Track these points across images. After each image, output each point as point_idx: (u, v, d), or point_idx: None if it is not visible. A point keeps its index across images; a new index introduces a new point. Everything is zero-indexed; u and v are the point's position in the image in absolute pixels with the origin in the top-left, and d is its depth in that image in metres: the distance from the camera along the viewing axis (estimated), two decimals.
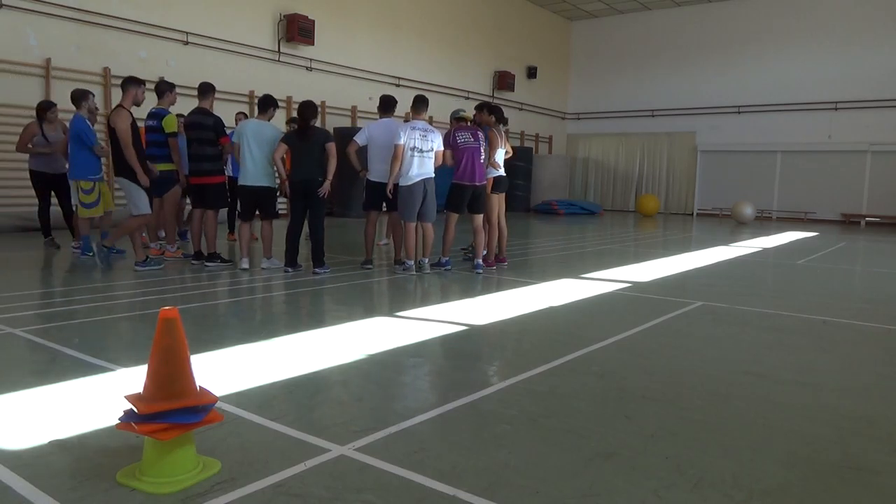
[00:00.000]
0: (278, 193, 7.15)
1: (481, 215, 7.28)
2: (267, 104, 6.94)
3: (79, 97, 7.24)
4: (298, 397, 3.09)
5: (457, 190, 7.04)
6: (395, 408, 3.01)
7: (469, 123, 7.31)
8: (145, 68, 11.89)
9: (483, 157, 7.10)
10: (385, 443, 2.55)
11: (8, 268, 6.90)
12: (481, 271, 7.21)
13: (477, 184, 7.08)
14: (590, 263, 8.56)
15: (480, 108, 7.69)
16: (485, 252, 7.64)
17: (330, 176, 6.70)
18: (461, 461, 2.40)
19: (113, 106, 11.29)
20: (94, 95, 7.48)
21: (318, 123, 7.15)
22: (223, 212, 8.72)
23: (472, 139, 7.05)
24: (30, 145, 7.95)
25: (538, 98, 22.78)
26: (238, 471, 2.26)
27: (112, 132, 6.48)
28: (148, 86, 7.14)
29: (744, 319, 5.13)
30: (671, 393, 3.26)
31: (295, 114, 7.00)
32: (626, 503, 2.13)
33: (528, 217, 18.35)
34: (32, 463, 2.31)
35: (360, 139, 7.03)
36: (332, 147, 6.63)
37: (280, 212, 10.03)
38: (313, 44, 14.51)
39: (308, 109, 6.60)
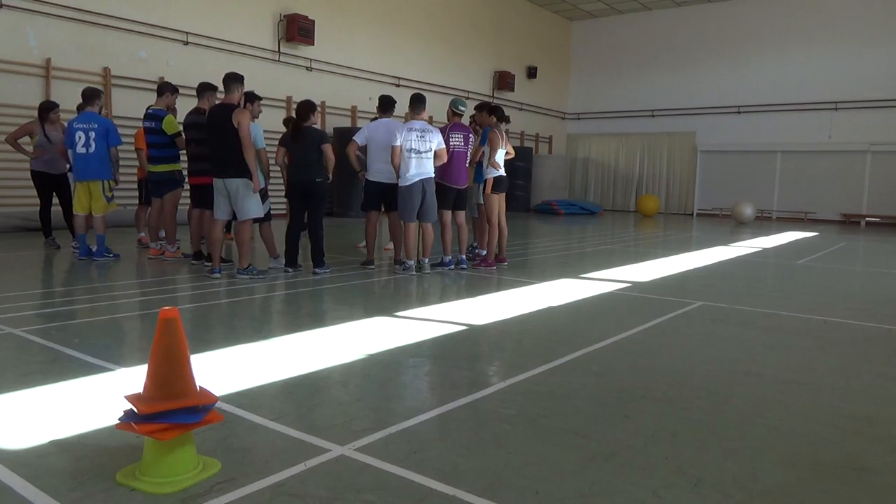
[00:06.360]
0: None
1: (464, 212, 7.45)
2: (253, 98, 6.90)
3: (93, 95, 7.23)
4: (298, 397, 3.09)
5: (440, 189, 7.09)
6: (395, 408, 3.01)
7: (462, 120, 7.35)
8: (145, 68, 11.91)
9: (467, 160, 7.28)
10: (385, 443, 2.55)
11: (8, 268, 6.90)
12: (466, 267, 7.32)
13: (460, 187, 7.21)
14: (590, 263, 8.55)
15: (480, 108, 7.70)
16: (485, 252, 7.66)
17: (329, 174, 6.73)
18: (461, 461, 2.40)
19: (113, 106, 11.35)
20: (103, 94, 7.48)
21: (318, 124, 7.12)
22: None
23: (462, 143, 7.18)
24: (31, 148, 7.95)
25: (538, 98, 22.78)
26: (238, 471, 2.26)
27: (222, 130, 6.12)
28: (147, 86, 7.09)
29: (744, 319, 5.13)
30: (671, 393, 3.26)
31: (294, 114, 6.97)
32: (626, 503, 2.13)
33: (528, 217, 18.35)
34: (32, 463, 2.30)
35: (359, 139, 7.03)
36: (327, 148, 6.59)
37: (277, 212, 10.02)
38: (313, 44, 14.51)
39: (302, 109, 6.59)
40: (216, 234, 6.46)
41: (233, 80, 6.30)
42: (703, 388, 3.35)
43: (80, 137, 7.00)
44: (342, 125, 15.34)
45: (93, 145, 7.01)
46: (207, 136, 6.37)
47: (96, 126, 7.04)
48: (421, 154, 6.72)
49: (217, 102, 6.63)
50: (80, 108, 7.43)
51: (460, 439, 2.63)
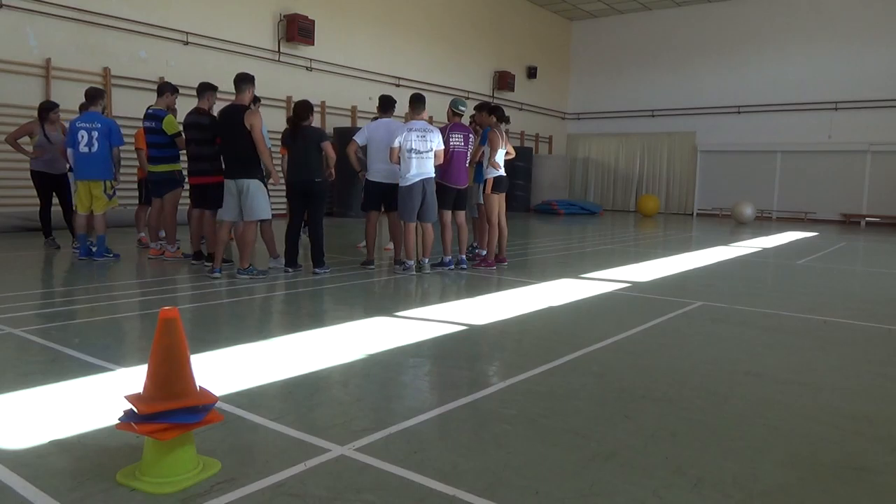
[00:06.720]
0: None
1: (464, 212, 7.46)
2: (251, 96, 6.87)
3: (96, 95, 7.24)
4: (298, 397, 3.09)
5: (440, 189, 7.09)
6: (395, 408, 3.01)
7: (462, 120, 7.35)
8: (145, 68, 11.91)
9: (467, 160, 7.28)
10: (385, 443, 2.55)
11: (8, 268, 6.90)
12: (466, 267, 7.33)
13: (460, 187, 7.22)
14: (590, 263, 8.55)
15: (480, 108, 7.70)
16: (485, 252, 7.66)
17: (331, 171, 6.76)
18: (461, 461, 2.40)
19: (114, 106, 11.34)
20: (105, 94, 7.48)
21: (318, 123, 7.13)
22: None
23: (462, 143, 7.18)
24: (30, 148, 7.95)
25: (538, 98, 22.77)
26: (238, 471, 2.26)
27: (232, 130, 6.14)
28: (147, 86, 7.08)
29: (744, 319, 5.13)
30: (671, 393, 3.26)
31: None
32: (626, 503, 2.13)
33: (528, 217, 18.35)
34: (32, 463, 2.31)
35: (359, 139, 7.04)
36: (328, 146, 6.61)
37: (277, 212, 10.01)
38: (313, 44, 14.50)
39: (300, 109, 6.60)
40: (222, 235, 6.47)
41: (244, 80, 6.30)
42: (703, 388, 3.35)
43: (82, 137, 7.00)
44: (342, 125, 15.33)
45: (95, 145, 7.01)
46: (220, 137, 6.39)
47: (99, 126, 7.05)
48: (421, 154, 6.72)
49: (226, 103, 6.63)
50: (82, 107, 7.44)
51: (460, 439, 2.63)
